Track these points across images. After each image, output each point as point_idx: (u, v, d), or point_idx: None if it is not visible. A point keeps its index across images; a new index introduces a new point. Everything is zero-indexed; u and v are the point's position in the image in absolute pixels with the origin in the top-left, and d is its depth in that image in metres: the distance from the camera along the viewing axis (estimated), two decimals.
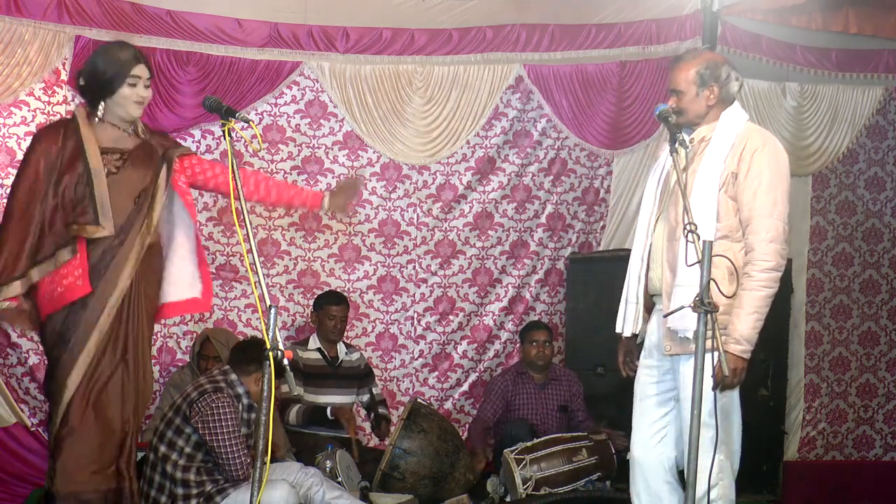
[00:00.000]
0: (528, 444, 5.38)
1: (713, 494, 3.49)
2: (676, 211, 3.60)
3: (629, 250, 6.00)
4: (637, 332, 3.80)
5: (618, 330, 3.85)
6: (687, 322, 3.41)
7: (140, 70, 3.74)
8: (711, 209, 3.55)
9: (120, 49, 3.78)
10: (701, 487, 3.24)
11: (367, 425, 6.03)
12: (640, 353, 3.87)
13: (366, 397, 5.92)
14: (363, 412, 6.02)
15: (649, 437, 3.77)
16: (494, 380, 6.09)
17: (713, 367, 3.20)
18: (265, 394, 2.90)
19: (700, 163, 3.61)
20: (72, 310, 3.71)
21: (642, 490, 3.81)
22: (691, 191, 3.56)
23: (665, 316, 3.57)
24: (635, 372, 3.88)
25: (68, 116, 3.83)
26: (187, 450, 4.43)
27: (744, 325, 3.47)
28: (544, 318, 6.44)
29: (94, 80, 3.74)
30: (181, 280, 3.95)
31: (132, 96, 3.73)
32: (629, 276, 3.81)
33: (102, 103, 3.75)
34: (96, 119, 3.79)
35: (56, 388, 3.75)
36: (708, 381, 3.19)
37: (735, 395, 3.61)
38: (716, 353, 3.39)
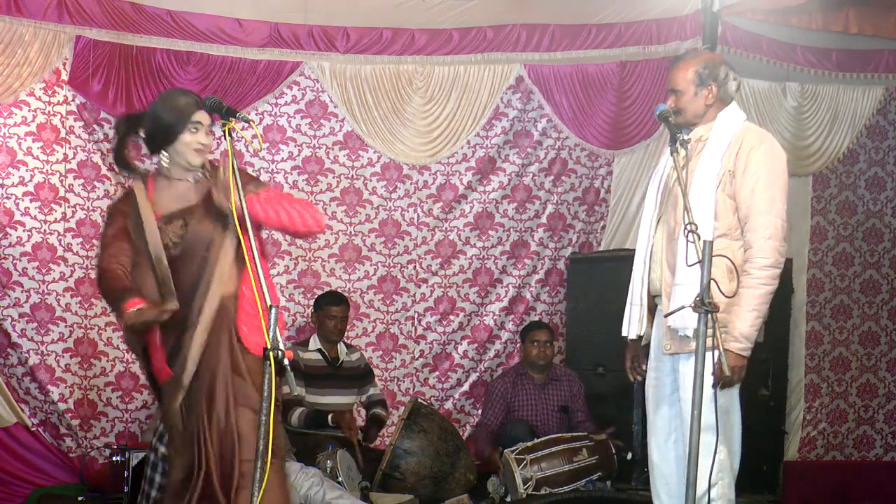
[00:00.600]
0: (529, 444, 5.37)
1: (713, 494, 3.49)
2: (676, 211, 3.61)
3: (630, 250, 6.03)
4: (642, 335, 3.80)
5: (623, 333, 3.84)
6: (686, 320, 3.42)
7: (201, 116, 3.57)
8: (709, 208, 3.55)
9: (181, 95, 3.66)
10: (701, 487, 3.23)
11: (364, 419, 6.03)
12: (647, 356, 3.88)
13: (364, 397, 5.92)
14: (363, 412, 6.02)
15: (664, 439, 3.77)
16: (494, 382, 6.08)
17: (714, 366, 3.20)
18: (265, 394, 2.90)
19: (697, 162, 3.62)
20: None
21: (663, 493, 3.81)
22: (690, 190, 3.56)
23: (666, 315, 3.57)
24: (643, 376, 3.88)
25: (125, 191, 3.68)
26: None
27: (743, 323, 3.47)
28: (545, 319, 6.43)
29: (156, 126, 3.59)
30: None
31: (192, 143, 3.56)
32: (633, 279, 3.81)
33: (164, 153, 3.59)
34: (157, 178, 3.63)
35: None
36: (708, 380, 3.19)
37: (735, 394, 3.61)
38: (716, 352, 3.43)
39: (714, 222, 3.56)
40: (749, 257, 3.52)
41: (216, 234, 3.53)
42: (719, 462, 3.47)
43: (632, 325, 3.79)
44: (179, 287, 3.48)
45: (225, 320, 3.52)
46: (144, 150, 3.77)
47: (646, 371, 3.87)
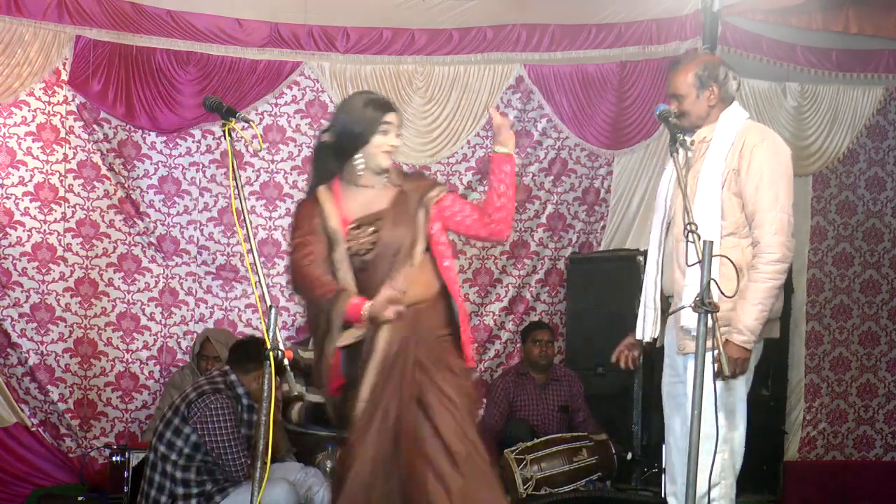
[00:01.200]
0: (529, 444, 5.37)
1: (715, 494, 3.49)
2: (682, 212, 3.62)
3: (630, 250, 6.06)
4: (656, 337, 3.80)
5: (638, 336, 3.84)
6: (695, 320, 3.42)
7: (392, 117, 3.47)
8: (715, 208, 3.56)
9: (370, 96, 3.56)
10: (702, 487, 3.24)
11: None
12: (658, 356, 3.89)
13: None
14: None
15: (682, 437, 3.77)
16: (495, 383, 6.07)
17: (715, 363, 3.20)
18: (265, 394, 2.90)
19: (702, 163, 3.64)
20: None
21: (682, 493, 3.81)
22: (695, 191, 3.59)
23: (668, 315, 3.60)
24: (634, 366, 3.89)
25: (311, 198, 3.51)
26: (186, 450, 4.43)
27: (748, 316, 3.48)
28: (544, 319, 6.43)
29: (347, 131, 3.46)
30: None
31: (383, 145, 3.45)
32: (646, 282, 3.81)
33: (358, 157, 3.46)
34: (343, 185, 3.52)
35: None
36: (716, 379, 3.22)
37: (742, 394, 3.61)
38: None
39: (721, 221, 3.57)
40: (757, 253, 3.53)
41: (406, 241, 3.43)
42: (721, 462, 3.47)
43: (646, 327, 3.79)
44: (367, 293, 3.35)
45: (415, 326, 3.41)
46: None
47: (633, 361, 3.87)
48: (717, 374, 3.24)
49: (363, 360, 3.36)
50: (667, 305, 3.78)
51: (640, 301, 3.83)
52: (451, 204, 3.58)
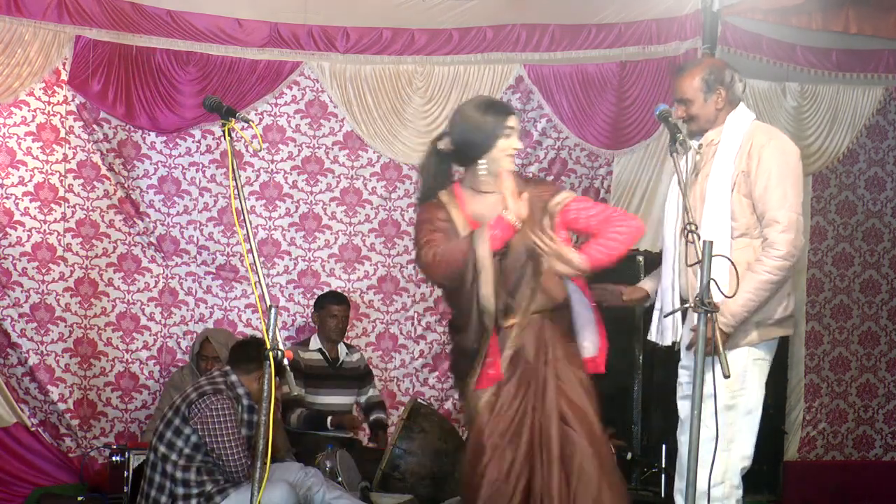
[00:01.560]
0: None
1: (717, 493, 3.50)
2: (696, 213, 3.64)
3: (630, 250, 6.03)
4: (677, 340, 3.80)
5: (652, 338, 3.84)
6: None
7: (513, 121, 3.50)
8: (725, 210, 3.59)
9: (488, 101, 3.61)
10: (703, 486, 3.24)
11: (366, 425, 6.03)
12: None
13: (363, 398, 5.92)
14: (362, 414, 6.03)
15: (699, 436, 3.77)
16: None
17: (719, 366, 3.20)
18: (265, 394, 2.90)
19: (710, 166, 3.67)
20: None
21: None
22: (705, 194, 3.63)
23: (665, 315, 3.62)
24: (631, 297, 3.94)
25: (434, 204, 3.54)
26: (186, 451, 4.43)
27: (735, 302, 3.48)
28: None
29: (471, 137, 3.49)
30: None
31: (507, 148, 3.48)
32: (663, 286, 3.80)
33: (482, 162, 3.48)
34: (464, 189, 3.54)
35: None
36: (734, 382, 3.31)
37: (759, 395, 3.62)
38: (743, 350, 3.52)
39: (732, 223, 3.59)
40: (764, 247, 3.54)
41: (533, 247, 3.43)
42: (725, 462, 3.48)
43: (665, 331, 3.79)
44: (498, 299, 3.39)
45: (544, 334, 3.45)
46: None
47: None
48: (689, 346, 3.26)
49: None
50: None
51: (653, 306, 3.83)
52: (575, 208, 3.57)
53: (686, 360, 3.78)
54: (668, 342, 3.79)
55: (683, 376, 3.79)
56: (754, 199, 3.58)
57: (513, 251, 3.42)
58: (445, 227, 3.45)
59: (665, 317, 3.63)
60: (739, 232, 3.59)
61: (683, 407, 3.77)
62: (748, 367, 3.58)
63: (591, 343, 3.58)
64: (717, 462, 3.36)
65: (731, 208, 3.58)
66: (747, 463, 3.62)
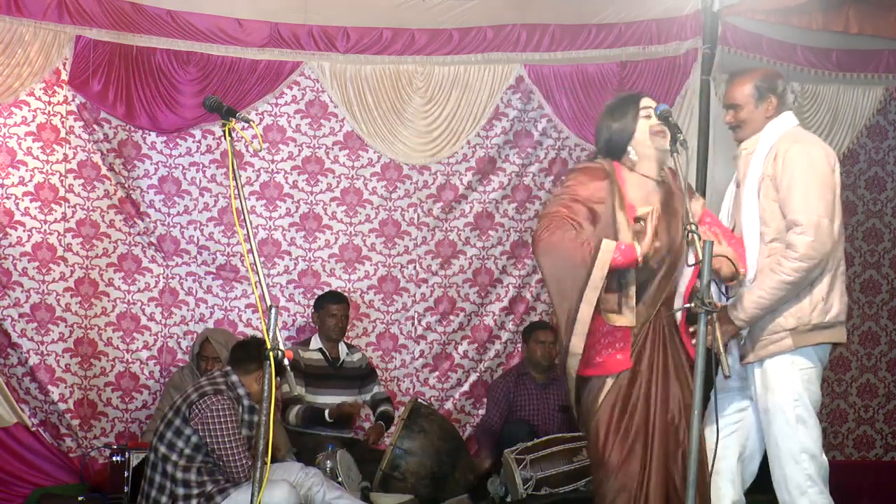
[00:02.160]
0: (529, 444, 5.37)
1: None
2: (738, 218, 3.72)
3: None
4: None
5: None
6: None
7: (646, 101, 3.55)
8: (754, 215, 3.66)
9: (622, 94, 3.70)
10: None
11: (367, 425, 6.03)
12: None
13: (368, 397, 5.93)
14: (365, 412, 6.03)
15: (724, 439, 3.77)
16: (495, 383, 6.08)
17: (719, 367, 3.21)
18: (265, 394, 2.90)
19: (747, 172, 3.74)
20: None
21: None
22: (742, 198, 3.71)
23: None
24: None
25: (598, 166, 3.55)
26: (187, 451, 4.43)
27: (748, 299, 3.56)
28: (545, 319, 6.43)
29: (611, 129, 3.55)
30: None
31: (650, 128, 3.49)
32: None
33: (631, 149, 3.52)
34: (624, 170, 3.54)
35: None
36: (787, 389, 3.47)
37: (809, 404, 3.67)
38: (784, 358, 3.59)
39: (763, 227, 3.64)
40: (785, 249, 3.58)
41: (676, 241, 3.47)
42: (804, 471, 3.66)
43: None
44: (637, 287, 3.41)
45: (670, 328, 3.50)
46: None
47: None
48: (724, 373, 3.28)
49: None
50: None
51: None
52: (711, 221, 3.67)
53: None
54: None
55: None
56: (781, 203, 3.61)
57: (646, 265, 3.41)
58: (595, 204, 3.42)
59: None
60: (771, 237, 3.63)
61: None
62: (794, 378, 3.62)
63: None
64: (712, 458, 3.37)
65: (761, 213, 3.63)
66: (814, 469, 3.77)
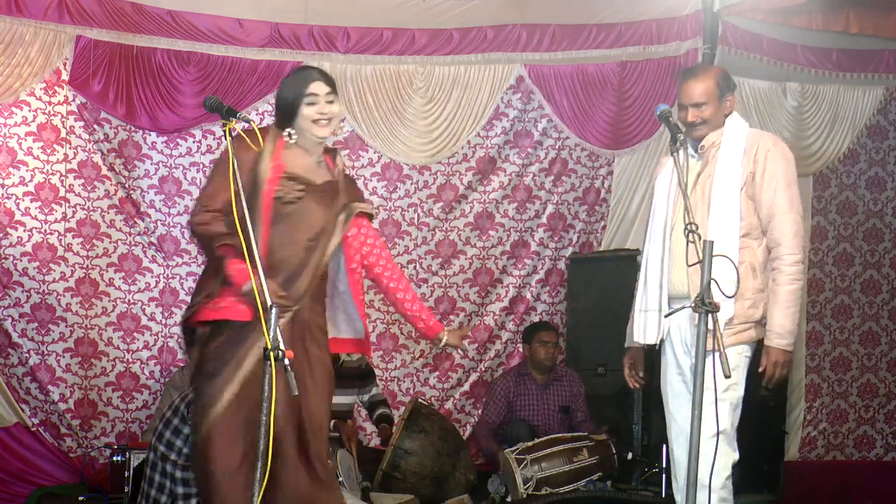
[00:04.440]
0: (529, 444, 5.37)
1: (724, 494, 3.54)
2: (701, 213, 3.68)
3: (630, 250, 6.05)
4: (664, 339, 3.80)
5: (638, 340, 3.84)
6: (725, 313, 3.50)
7: (316, 87, 3.54)
8: (734, 210, 3.64)
9: (299, 71, 3.72)
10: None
11: (367, 425, 6.03)
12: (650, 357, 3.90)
13: (366, 397, 5.92)
14: (363, 412, 6.02)
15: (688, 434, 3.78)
16: (496, 381, 6.08)
17: (721, 365, 3.21)
18: (265, 394, 2.90)
19: (715, 167, 3.71)
20: (230, 332, 3.45)
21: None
22: (710, 195, 3.67)
23: (666, 316, 3.63)
24: (643, 383, 3.95)
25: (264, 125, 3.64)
26: (185, 450, 4.43)
27: (786, 320, 3.58)
28: (545, 319, 6.43)
29: (279, 105, 3.61)
30: (339, 319, 3.78)
31: (311, 115, 3.52)
32: (647, 285, 3.80)
33: (291, 129, 3.55)
34: (290, 141, 3.58)
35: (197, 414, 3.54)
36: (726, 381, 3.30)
37: (742, 392, 3.65)
38: (738, 347, 3.57)
39: (741, 223, 3.64)
40: (779, 255, 3.62)
41: (326, 227, 3.53)
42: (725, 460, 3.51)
43: (648, 331, 3.79)
44: (276, 254, 3.44)
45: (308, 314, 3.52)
46: None
47: (643, 377, 3.93)
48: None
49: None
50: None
51: (636, 306, 3.85)
52: (367, 232, 3.71)
53: (678, 359, 3.78)
54: (652, 341, 3.80)
55: (677, 374, 3.80)
56: (759, 201, 3.64)
57: (301, 214, 3.47)
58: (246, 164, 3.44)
59: (666, 316, 3.64)
60: (743, 232, 3.64)
61: (677, 406, 3.78)
62: (740, 364, 3.64)
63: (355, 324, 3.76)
64: (713, 455, 3.38)
65: (741, 209, 3.63)
66: (736, 456, 3.65)
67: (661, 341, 3.80)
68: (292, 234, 3.48)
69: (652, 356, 3.96)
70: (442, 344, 3.81)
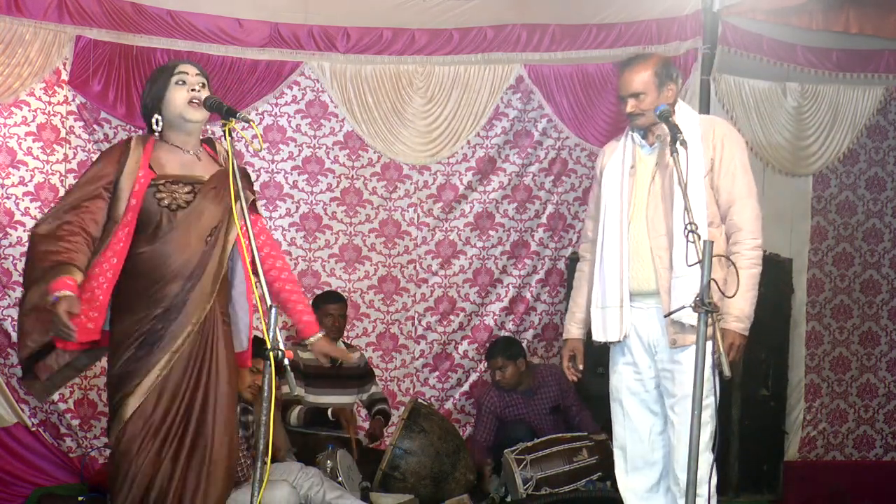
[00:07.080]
0: (529, 444, 5.37)
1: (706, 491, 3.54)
2: (663, 206, 3.65)
3: None
4: (628, 334, 3.79)
5: (598, 338, 3.84)
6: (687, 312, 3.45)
7: (185, 67, 3.46)
8: (702, 200, 3.62)
9: (169, 61, 3.63)
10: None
11: (367, 425, 6.03)
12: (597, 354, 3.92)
13: (365, 396, 5.93)
14: (363, 412, 6.02)
15: (647, 431, 3.79)
16: (481, 398, 5.92)
17: (714, 360, 3.22)
18: (266, 394, 2.90)
19: (674, 162, 3.67)
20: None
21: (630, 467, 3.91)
22: (671, 187, 3.63)
23: (666, 316, 3.61)
24: (581, 376, 3.98)
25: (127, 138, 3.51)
26: None
27: (745, 304, 3.59)
28: (545, 319, 6.44)
29: (146, 91, 3.48)
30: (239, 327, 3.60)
31: (182, 95, 3.38)
32: (606, 280, 3.77)
33: (158, 116, 3.41)
34: (157, 142, 3.44)
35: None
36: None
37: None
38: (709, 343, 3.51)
39: (707, 211, 3.65)
40: (739, 239, 3.64)
41: (223, 222, 3.39)
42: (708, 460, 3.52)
43: (609, 327, 3.77)
44: (170, 256, 3.33)
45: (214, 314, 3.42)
46: None
47: (581, 370, 3.98)
48: (720, 373, 3.28)
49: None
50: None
51: (592, 303, 3.85)
52: (261, 230, 3.59)
53: (633, 357, 3.77)
54: (614, 339, 3.79)
55: (633, 373, 3.77)
56: (719, 188, 3.67)
57: (195, 214, 3.36)
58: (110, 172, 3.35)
59: (666, 316, 3.62)
60: (709, 220, 3.65)
61: (633, 404, 3.78)
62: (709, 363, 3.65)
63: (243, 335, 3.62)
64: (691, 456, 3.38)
65: (706, 198, 3.64)
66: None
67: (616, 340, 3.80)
68: (188, 237, 3.35)
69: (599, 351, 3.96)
70: (309, 342, 3.68)
